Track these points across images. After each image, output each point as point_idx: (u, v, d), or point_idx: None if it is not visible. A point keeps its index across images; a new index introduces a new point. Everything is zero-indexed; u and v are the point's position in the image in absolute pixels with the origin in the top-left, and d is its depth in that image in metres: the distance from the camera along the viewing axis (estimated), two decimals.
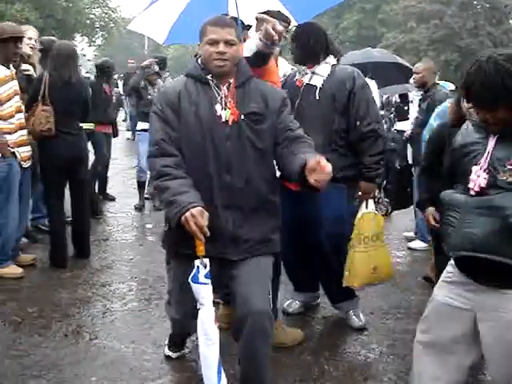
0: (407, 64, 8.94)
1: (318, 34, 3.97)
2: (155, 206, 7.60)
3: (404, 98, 9.21)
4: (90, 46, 38.72)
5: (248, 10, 4.36)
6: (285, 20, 3.86)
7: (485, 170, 2.22)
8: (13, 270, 4.86)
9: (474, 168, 2.25)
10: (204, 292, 2.67)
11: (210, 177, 2.79)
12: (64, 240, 5.28)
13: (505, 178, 2.17)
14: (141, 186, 7.82)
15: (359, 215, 3.87)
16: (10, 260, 4.91)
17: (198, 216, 2.60)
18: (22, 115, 4.74)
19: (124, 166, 10.77)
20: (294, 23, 5.04)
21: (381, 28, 42.01)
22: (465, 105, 3.49)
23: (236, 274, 2.87)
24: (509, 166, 2.17)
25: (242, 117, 2.81)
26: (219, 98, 2.83)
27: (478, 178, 2.22)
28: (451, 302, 2.38)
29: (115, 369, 3.48)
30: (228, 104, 2.82)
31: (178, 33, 4.88)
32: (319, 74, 3.91)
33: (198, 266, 2.65)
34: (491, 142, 2.25)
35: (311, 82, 3.91)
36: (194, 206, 2.62)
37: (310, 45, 3.91)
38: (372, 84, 5.92)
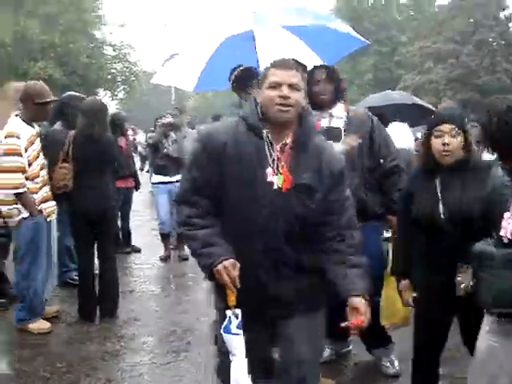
0: (428, 105, 8.95)
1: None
2: (180, 257, 7.61)
3: None
4: (113, 99, 39.46)
5: (272, 52, 4.41)
6: (304, 69, 3.86)
7: None
8: (41, 324, 4.86)
9: (506, 215, 2.18)
10: (236, 343, 2.60)
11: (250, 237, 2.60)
12: (93, 292, 5.28)
13: None
14: (164, 237, 7.84)
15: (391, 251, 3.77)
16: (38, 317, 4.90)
17: (229, 267, 2.52)
18: (44, 172, 4.81)
19: (149, 217, 10.83)
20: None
21: (398, 70, 42.30)
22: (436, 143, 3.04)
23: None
24: None
25: (293, 185, 2.55)
26: (271, 160, 2.55)
27: (508, 224, 2.16)
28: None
29: None
30: (280, 168, 2.55)
31: (207, 79, 4.95)
32: (337, 116, 3.89)
33: (229, 317, 2.60)
34: None
35: (332, 125, 3.87)
36: (226, 259, 2.53)
37: (340, 87, 3.92)
38: (404, 126, 5.93)
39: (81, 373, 4.11)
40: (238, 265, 2.54)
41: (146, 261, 7.68)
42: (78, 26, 31.91)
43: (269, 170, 2.53)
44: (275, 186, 2.53)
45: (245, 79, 4.35)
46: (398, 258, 3.38)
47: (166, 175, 7.56)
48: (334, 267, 2.62)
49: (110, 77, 35.56)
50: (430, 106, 8.82)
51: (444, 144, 2.93)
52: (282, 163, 2.54)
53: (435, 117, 3.18)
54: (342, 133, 3.84)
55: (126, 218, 8.14)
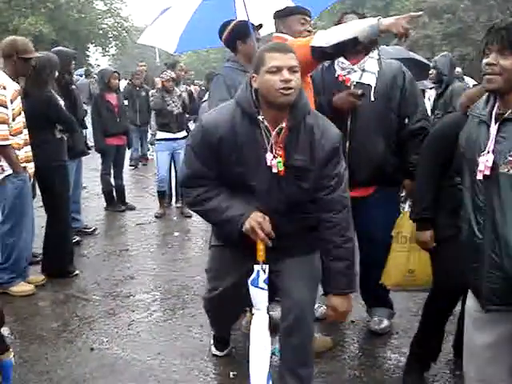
0: (424, 60, 8.81)
1: None
2: (182, 214, 7.61)
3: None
4: (104, 55, 38.94)
5: (256, 9, 4.31)
6: (307, 13, 3.68)
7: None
8: (23, 287, 4.78)
9: (481, 158, 2.17)
10: (261, 297, 2.68)
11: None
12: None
13: (506, 170, 2.12)
14: (161, 195, 7.79)
15: (401, 214, 3.72)
16: (21, 278, 4.82)
17: (262, 221, 2.62)
18: (26, 131, 4.68)
19: (139, 175, 10.80)
20: None
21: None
22: None
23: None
24: (510, 158, 2.11)
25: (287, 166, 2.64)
26: (269, 146, 2.61)
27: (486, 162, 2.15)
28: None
29: (143, 381, 3.45)
30: (278, 151, 2.61)
31: (187, 40, 4.88)
32: (370, 71, 3.71)
33: (258, 271, 2.66)
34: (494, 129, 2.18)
35: (363, 81, 3.69)
36: (250, 214, 2.63)
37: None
38: None
39: (77, 332, 4.10)
40: (267, 217, 2.63)
41: (140, 219, 7.64)
42: None
43: (268, 155, 2.60)
44: (275, 170, 2.61)
45: (240, 32, 4.26)
46: (424, 198, 3.20)
47: (168, 132, 7.49)
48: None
49: (101, 32, 35.05)
50: (426, 61, 8.69)
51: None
52: (280, 145, 2.61)
53: None
54: (372, 91, 3.67)
55: (118, 176, 8.06)
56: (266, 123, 2.60)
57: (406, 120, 3.73)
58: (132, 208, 8.07)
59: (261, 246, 2.66)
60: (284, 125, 2.60)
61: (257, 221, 2.60)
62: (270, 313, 2.88)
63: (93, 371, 3.55)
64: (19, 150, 4.53)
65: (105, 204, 8.07)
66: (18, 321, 4.29)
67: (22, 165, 4.54)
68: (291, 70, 2.52)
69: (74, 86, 6.35)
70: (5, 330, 4.02)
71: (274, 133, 2.60)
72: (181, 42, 4.89)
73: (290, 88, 2.51)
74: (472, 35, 37.10)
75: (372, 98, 3.66)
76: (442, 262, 3.17)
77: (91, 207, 8.11)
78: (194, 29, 4.71)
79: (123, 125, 7.82)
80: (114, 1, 35.64)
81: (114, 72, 7.86)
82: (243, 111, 2.63)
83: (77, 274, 5.27)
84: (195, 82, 12.60)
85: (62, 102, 5.30)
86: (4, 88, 4.36)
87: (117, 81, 7.71)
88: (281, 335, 2.96)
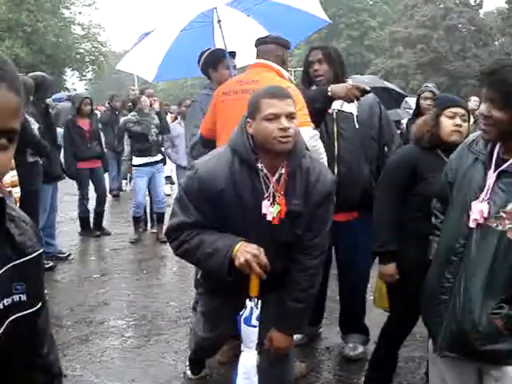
0: (397, 89, 8.96)
1: (342, 55, 3.96)
2: (159, 239, 7.53)
3: (396, 124, 9.21)
4: (81, 80, 38.92)
5: (233, 38, 4.40)
6: (285, 44, 3.80)
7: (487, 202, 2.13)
8: None
9: (475, 204, 2.14)
10: (252, 335, 2.55)
11: None
12: None
13: (494, 224, 2.10)
14: (136, 220, 7.75)
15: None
16: None
17: (259, 255, 2.45)
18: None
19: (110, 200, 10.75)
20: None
21: (369, 54, 42.53)
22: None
23: None
24: (502, 214, 2.08)
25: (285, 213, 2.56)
26: (268, 193, 2.52)
27: (481, 211, 2.12)
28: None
29: None
30: (277, 199, 2.52)
31: (165, 70, 4.96)
32: None
33: (251, 308, 2.51)
34: (492, 176, 2.14)
35: (344, 109, 3.77)
36: (237, 243, 2.48)
37: (342, 68, 3.84)
38: None
39: None
40: (262, 249, 2.48)
41: (115, 244, 7.58)
42: (46, 6, 31.41)
43: (265, 203, 2.51)
44: (269, 218, 2.52)
45: (213, 60, 4.36)
46: (384, 231, 3.17)
47: (148, 156, 7.45)
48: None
49: (78, 56, 35.06)
50: (400, 90, 8.84)
51: (457, 125, 3.02)
52: (281, 193, 2.53)
53: (446, 99, 3.23)
54: (355, 118, 3.75)
55: (100, 204, 7.97)
56: (265, 171, 2.52)
57: (386, 148, 3.83)
58: (107, 233, 8.02)
59: (255, 281, 2.50)
60: (283, 170, 2.53)
61: (252, 253, 2.43)
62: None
63: None
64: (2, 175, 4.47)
65: (79, 229, 8.00)
66: None
67: (8, 189, 4.50)
68: (289, 116, 2.45)
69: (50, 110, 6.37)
70: None
71: (273, 180, 2.53)
72: (159, 71, 4.95)
73: (289, 136, 2.44)
74: (445, 65, 37.89)
75: (356, 126, 3.74)
76: (400, 294, 3.20)
77: (65, 232, 8.03)
78: (173, 58, 4.77)
79: (95, 150, 7.75)
80: (92, 26, 35.74)
81: (86, 98, 7.85)
82: (241, 159, 2.53)
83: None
84: (171, 108, 12.48)
85: (36, 126, 5.29)
86: None
87: (88, 107, 7.67)
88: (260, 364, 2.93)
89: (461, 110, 3.09)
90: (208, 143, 3.92)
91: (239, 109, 3.67)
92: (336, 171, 3.67)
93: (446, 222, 2.38)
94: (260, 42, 3.79)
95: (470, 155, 2.29)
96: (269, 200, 2.51)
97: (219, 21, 4.42)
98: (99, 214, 8.04)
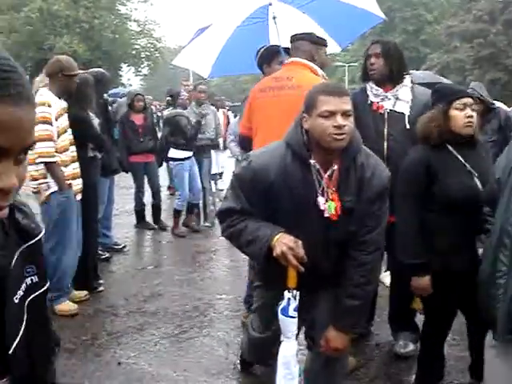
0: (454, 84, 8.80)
1: (402, 52, 3.90)
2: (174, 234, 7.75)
3: None
4: (137, 75, 39.58)
5: (287, 33, 4.44)
6: (322, 42, 3.86)
7: None
8: (68, 306, 4.77)
9: None
10: (291, 325, 2.58)
11: None
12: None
13: None
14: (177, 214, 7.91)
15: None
16: (65, 296, 4.84)
17: (294, 246, 2.45)
18: (74, 148, 4.81)
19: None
20: (335, 48, 5.09)
21: (424, 49, 41.82)
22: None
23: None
24: None
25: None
26: (320, 189, 2.52)
27: None
28: None
29: None
30: (330, 195, 2.52)
31: (220, 66, 5.01)
32: (404, 100, 3.75)
33: (288, 299, 2.54)
34: None
35: (396, 109, 3.73)
36: (277, 233, 2.49)
37: (401, 64, 3.79)
38: None
39: (105, 346, 4.18)
40: (300, 242, 2.49)
41: (168, 237, 7.74)
42: (103, 2, 32.06)
43: (320, 199, 2.51)
44: (326, 214, 2.52)
45: (267, 56, 4.41)
46: (415, 243, 3.11)
47: (186, 150, 7.66)
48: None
49: (134, 52, 35.66)
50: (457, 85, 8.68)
51: (469, 116, 2.97)
52: (333, 189, 2.52)
53: (454, 91, 3.15)
54: (406, 119, 3.70)
55: (155, 197, 8.10)
56: (317, 166, 2.53)
57: None
58: (164, 228, 8.13)
59: (292, 273, 2.52)
60: (336, 167, 2.53)
61: (288, 246, 2.44)
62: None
63: None
64: (65, 166, 4.65)
65: (135, 221, 8.19)
66: None
67: (68, 181, 4.64)
68: (345, 114, 2.44)
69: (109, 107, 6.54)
70: None
71: (325, 176, 2.53)
72: (214, 67, 5.02)
73: (343, 133, 2.43)
74: (504, 60, 36.91)
75: (407, 126, 3.67)
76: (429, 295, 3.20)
77: (121, 224, 8.22)
78: (228, 54, 4.83)
79: (147, 144, 7.89)
80: (148, 22, 36.27)
81: (138, 94, 8.02)
82: (294, 153, 2.55)
83: (101, 290, 5.36)
84: (225, 104, 12.42)
85: (96, 121, 5.44)
86: (49, 106, 4.49)
87: (141, 103, 7.82)
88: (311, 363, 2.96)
89: (470, 100, 3.04)
90: (245, 142, 3.96)
91: (275, 106, 3.71)
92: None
93: (499, 208, 2.37)
94: (292, 40, 3.88)
95: None
96: (323, 196, 2.51)
97: (274, 17, 4.47)
98: (156, 207, 8.18)
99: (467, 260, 2.98)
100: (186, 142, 7.59)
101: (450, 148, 3.04)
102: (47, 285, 1.30)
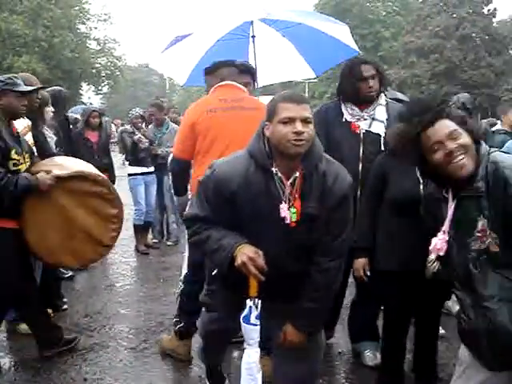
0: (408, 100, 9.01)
1: None
2: (138, 251, 7.84)
3: None
4: (97, 94, 39.36)
5: (264, 54, 4.51)
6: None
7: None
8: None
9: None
10: (253, 333, 2.62)
11: None
12: None
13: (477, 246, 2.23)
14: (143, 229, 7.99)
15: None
16: None
17: (255, 257, 2.52)
18: None
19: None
20: (309, 74, 5.19)
21: (382, 65, 42.40)
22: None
23: None
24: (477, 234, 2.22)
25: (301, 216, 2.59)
26: (284, 196, 2.56)
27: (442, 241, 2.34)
28: None
29: None
30: (293, 202, 2.57)
31: (197, 76, 5.04)
32: (379, 120, 3.75)
33: (250, 307, 2.59)
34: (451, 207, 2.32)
35: (373, 130, 3.74)
36: (239, 244, 2.56)
37: (385, 81, 3.81)
38: None
39: (71, 363, 4.17)
40: (261, 252, 2.55)
41: (132, 253, 7.76)
42: (62, 21, 31.82)
43: (283, 206, 2.55)
44: (287, 221, 2.57)
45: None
46: (365, 235, 3.45)
47: (143, 166, 7.81)
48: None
49: (94, 71, 35.49)
50: None
51: None
52: (296, 196, 2.56)
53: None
54: (381, 140, 3.71)
55: None
56: (279, 174, 2.57)
57: None
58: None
59: (254, 282, 2.57)
60: (298, 174, 2.57)
61: (249, 256, 2.51)
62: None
63: None
64: None
65: None
66: (13, 352, 4.38)
67: None
68: (304, 121, 2.48)
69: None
70: (5, 363, 4.11)
71: (288, 183, 2.57)
72: (191, 76, 5.05)
73: (302, 140, 2.47)
74: (459, 74, 37.79)
75: (382, 148, 3.68)
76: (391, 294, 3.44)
77: None
78: (206, 65, 4.89)
79: (102, 161, 7.86)
80: (107, 40, 36.18)
81: (94, 111, 8.02)
82: (256, 162, 2.59)
83: (66, 309, 5.32)
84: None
85: (53, 139, 5.44)
86: None
87: (96, 119, 7.80)
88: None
89: None
90: (180, 164, 3.99)
91: (232, 120, 3.69)
92: (359, 194, 3.66)
93: None
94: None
95: None
96: (286, 203, 2.56)
97: (253, 36, 4.54)
98: None
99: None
100: (133, 158, 7.79)
101: None
102: None
